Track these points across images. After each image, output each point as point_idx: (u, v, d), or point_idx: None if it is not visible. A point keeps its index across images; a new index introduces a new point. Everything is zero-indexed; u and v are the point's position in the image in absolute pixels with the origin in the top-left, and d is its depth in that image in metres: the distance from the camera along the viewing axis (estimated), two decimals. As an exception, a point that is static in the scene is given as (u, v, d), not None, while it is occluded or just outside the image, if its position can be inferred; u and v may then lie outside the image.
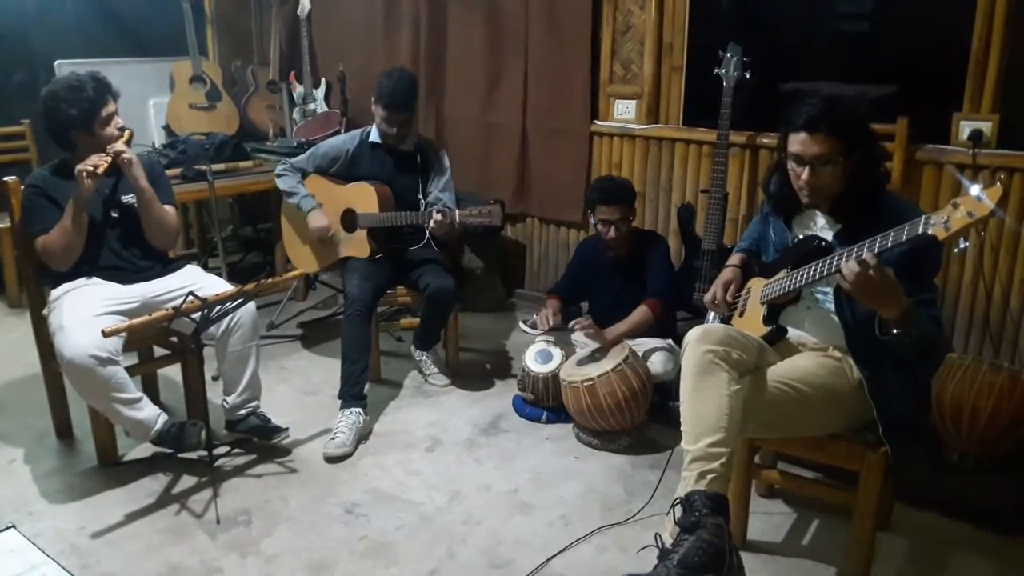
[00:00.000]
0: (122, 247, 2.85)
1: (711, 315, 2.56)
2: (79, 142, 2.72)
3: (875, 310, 1.95)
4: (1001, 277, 3.02)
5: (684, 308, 3.47)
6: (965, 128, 3.00)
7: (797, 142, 2.10)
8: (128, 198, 2.84)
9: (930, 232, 1.74)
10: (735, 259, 2.54)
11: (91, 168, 2.60)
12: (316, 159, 3.55)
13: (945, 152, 3.04)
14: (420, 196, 3.46)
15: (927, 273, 2.09)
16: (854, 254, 1.90)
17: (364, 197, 3.40)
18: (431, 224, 3.17)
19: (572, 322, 3.22)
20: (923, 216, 1.77)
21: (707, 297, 2.48)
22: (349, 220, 3.45)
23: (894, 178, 3.07)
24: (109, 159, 2.67)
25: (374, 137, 3.48)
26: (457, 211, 3.17)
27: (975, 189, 1.68)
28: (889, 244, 1.83)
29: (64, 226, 2.66)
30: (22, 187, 2.76)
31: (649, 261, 3.24)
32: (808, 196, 2.15)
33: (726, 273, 2.50)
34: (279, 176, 3.57)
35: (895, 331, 1.94)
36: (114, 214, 2.84)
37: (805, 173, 2.10)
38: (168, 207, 2.90)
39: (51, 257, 2.72)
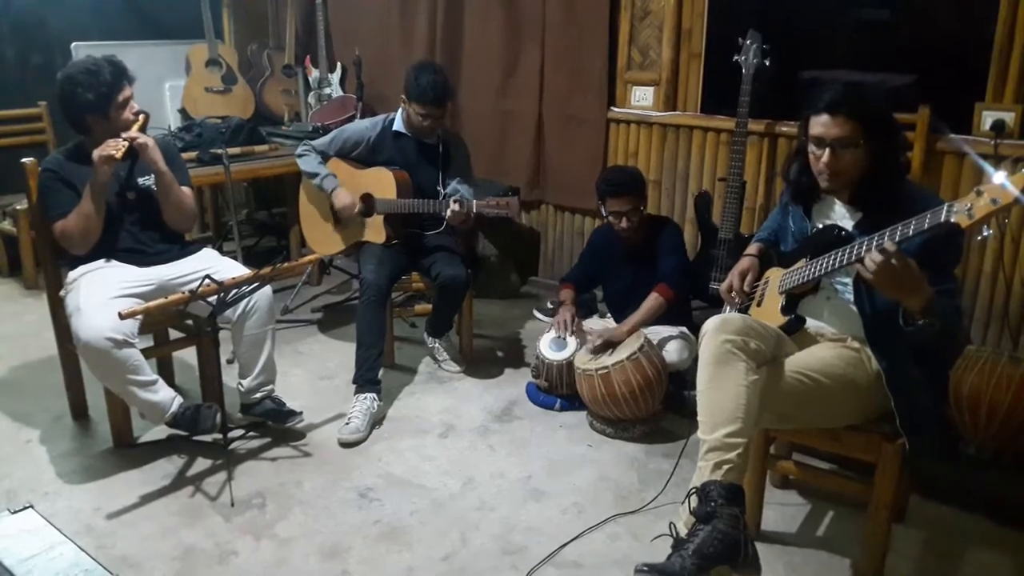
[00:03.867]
0: (139, 230, 2.85)
1: (728, 305, 2.53)
2: (95, 126, 2.72)
3: (899, 301, 1.93)
4: (1021, 268, 2.98)
5: (700, 297, 3.44)
6: (987, 118, 2.96)
7: (818, 124, 2.09)
8: (144, 181, 2.84)
9: (953, 220, 1.71)
10: (753, 248, 2.52)
11: (111, 153, 2.60)
12: (337, 143, 3.51)
13: (967, 142, 3.00)
14: (440, 187, 3.44)
15: (948, 263, 2.07)
16: (875, 243, 1.87)
17: (382, 182, 3.38)
18: (447, 214, 3.16)
19: (587, 332, 3.24)
20: (945, 204, 1.74)
21: (723, 287, 2.46)
22: (367, 204, 3.44)
23: (914, 168, 3.04)
24: (125, 145, 2.66)
25: (398, 126, 3.44)
26: (474, 201, 3.15)
27: (1000, 176, 1.65)
28: (911, 232, 1.80)
29: (82, 211, 2.67)
30: (39, 170, 2.76)
31: (660, 246, 3.21)
32: (827, 180, 2.12)
33: (743, 262, 2.47)
34: (300, 156, 3.53)
35: (920, 321, 1.91)
36: (131, 197, 2.84)
37: (825, 156, 2.08)
38: (185, 189, 2.90)
39: (70, 241, 2.72)
